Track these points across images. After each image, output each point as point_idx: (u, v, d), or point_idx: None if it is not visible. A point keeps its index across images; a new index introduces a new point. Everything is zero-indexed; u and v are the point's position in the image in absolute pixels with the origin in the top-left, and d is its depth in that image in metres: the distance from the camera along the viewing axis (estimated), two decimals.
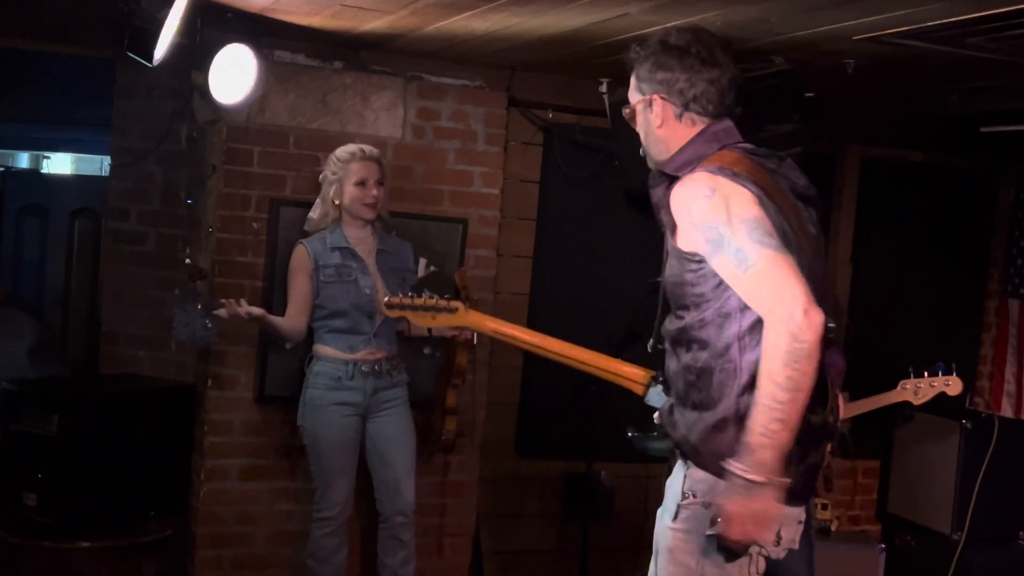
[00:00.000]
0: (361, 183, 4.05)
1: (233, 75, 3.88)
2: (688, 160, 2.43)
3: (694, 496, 2.36)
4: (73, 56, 4.90)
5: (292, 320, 4.10)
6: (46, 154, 8.64)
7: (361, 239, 4.13)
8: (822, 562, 4.51)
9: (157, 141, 4.72)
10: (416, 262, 4.37)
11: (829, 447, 2.46)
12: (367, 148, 4.13)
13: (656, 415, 2.59)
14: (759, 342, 2.26)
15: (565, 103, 4.86)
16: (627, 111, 2.58)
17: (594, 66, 4.36)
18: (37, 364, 5.04)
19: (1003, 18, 3.01)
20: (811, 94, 3.90)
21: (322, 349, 4.10)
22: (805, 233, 2.44)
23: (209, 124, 4.49)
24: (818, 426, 2.36)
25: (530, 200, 4.93)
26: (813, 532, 4.25)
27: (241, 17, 3.84)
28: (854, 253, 5.47)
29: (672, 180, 2.45)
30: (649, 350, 2.64)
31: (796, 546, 2.39)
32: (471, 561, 4.85)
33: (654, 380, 2.76)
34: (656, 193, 2.53)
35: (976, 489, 5.03)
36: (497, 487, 4.91)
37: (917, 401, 4.09)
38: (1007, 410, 5.68)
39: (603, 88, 4.57)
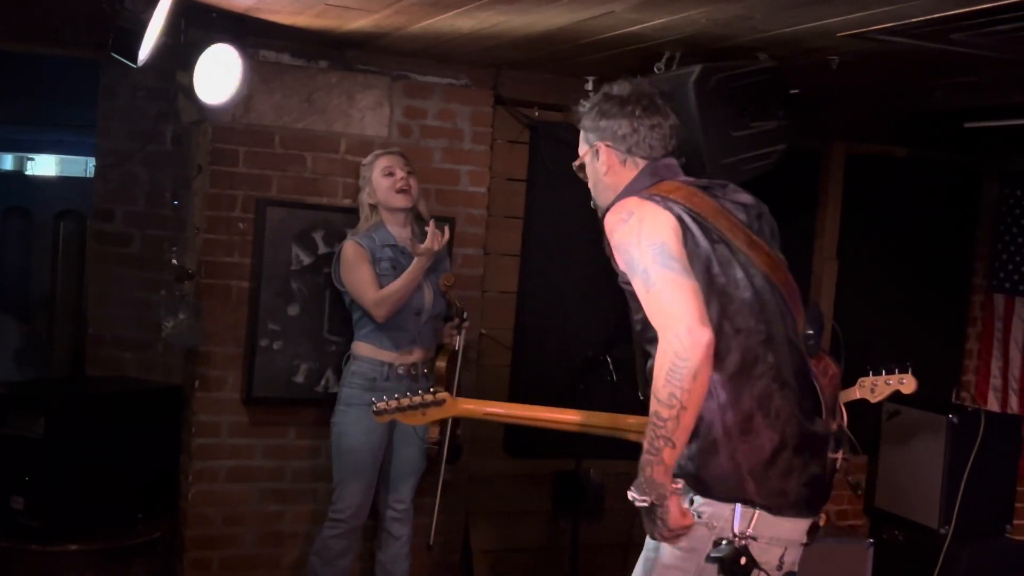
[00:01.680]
0: (388, 172, 4.13)
1: (218, 75, 3.87)
2: (625, 194, 2.50)
3: (698, 517, 2.32)
4: (57, 57, 4.87)
5: (377, 297, 4.00)
6: (30, 156, 8.60)
7: (403, 239, 4.12)
8: (810, 557, 4.52)
9: (142, 142, 4.71)
10: (448, 261, 4.40)
11: (840, 454, 2.45)
12: (389, 147, 4.29)
13: None
14: (728, 352, 2.31)
15: (551, 101, 4.85)
16: (577, 163, 2.69)
17: (580, 64, 4.37)
18: (23, 367, 5.02)
19: (987, 13, 3.02)
20: (795, 91, 3.90)
21: (361, 348, 4.10)
22: (757, 249, 2.44)
23: (194, 124, 4.47)
24: (817, 435, 2.37)
25: (517, 198, 4.92)
26: None
27: (226, 17, 3.82)
28: (839, 249, 5.49)
29: None
30: (641, 396, 2.54)
31: (796, 568, 2.39)
32: (461, 560, 4.85)
33: None
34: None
35: (963, 483, 5.06)
36: (487, 486, 4.91)
37: (873, 399, 4.16)
38: (993, 404, 5.71)
39: (589, 86, 4.57)
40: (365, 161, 4.23)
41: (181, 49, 3.84)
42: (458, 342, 4.17)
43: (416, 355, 4.11)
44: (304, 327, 4.42)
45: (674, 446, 2.18)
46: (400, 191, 4.10)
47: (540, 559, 5.00)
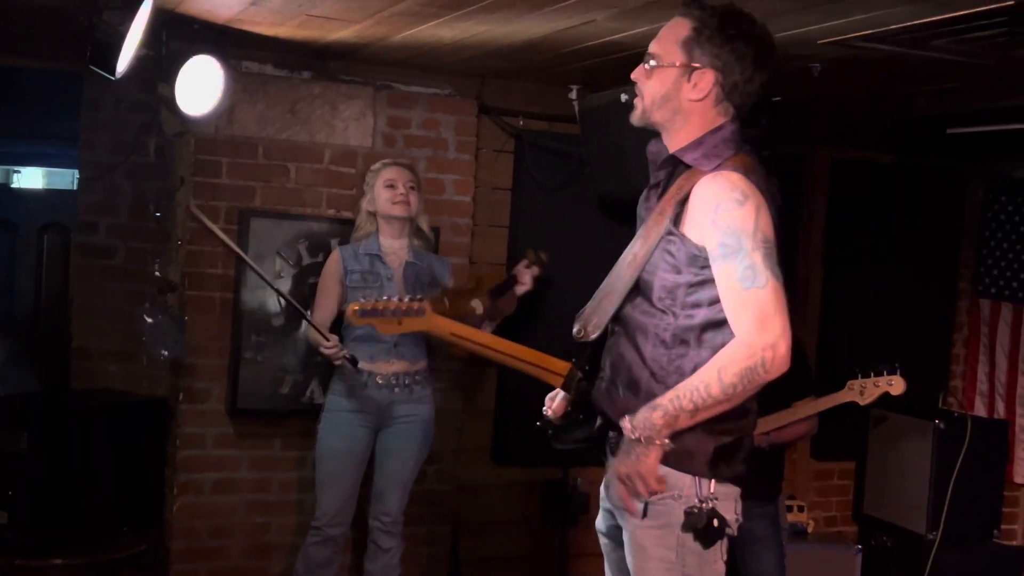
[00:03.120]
0: (391, 185, 4.15)
1: (200, 86, 3.87)
2: (708, 155, 2.35)
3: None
4: (41, 70, 4.86)
5: (321, 321, 4.10)
6: (16, 168, 8.56)
7: (394, 250, 4.16)
8: (799, 564, 4.56)
9: (125, 154, 4.69)
10: (448, 276, 4.36)
11: None
12: (398, 158, 4.32)
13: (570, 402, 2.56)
14: (720, 330, 2.30)
15: (536, 110, 4.86)
16: (653, 60, 2.37)
17: (564, 73, 4.37)
18: (6, 380, 4.99)
19: (966, 20, 3.03)
20: (777, 98, 3.91)
21: None
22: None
23: (177, 136, 4.46)
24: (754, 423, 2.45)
25: (502, 207, 4.92)
26: (785, 534, 4.31)
27: (207, 28, 3.83)
28: (825, 255, 5.50)
29: (680, 165, 2.39)
30: (581, 337, 2.50)
31: (740, 520, 2.43)
32: (449, 569, 4.83)
33: (575, 372, 2.61)
34: (658, 174, 2.46)
35: (950, 489, 5.06)
36: (474, 495, 4.90)
37: (863, 401, 4.15)
38: (980, 409, 5.72)
39: (573, 95, 4.59)
40: (374, 167, 4.25)
41: (163, 61, 3.84)
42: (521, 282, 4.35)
43: (397, 366, 4.09)
44: (289, 338, 4.40)
45: (693, 418, 2.26)
46: (396, 203, 4.12)
47: (528, 568, 4.98)
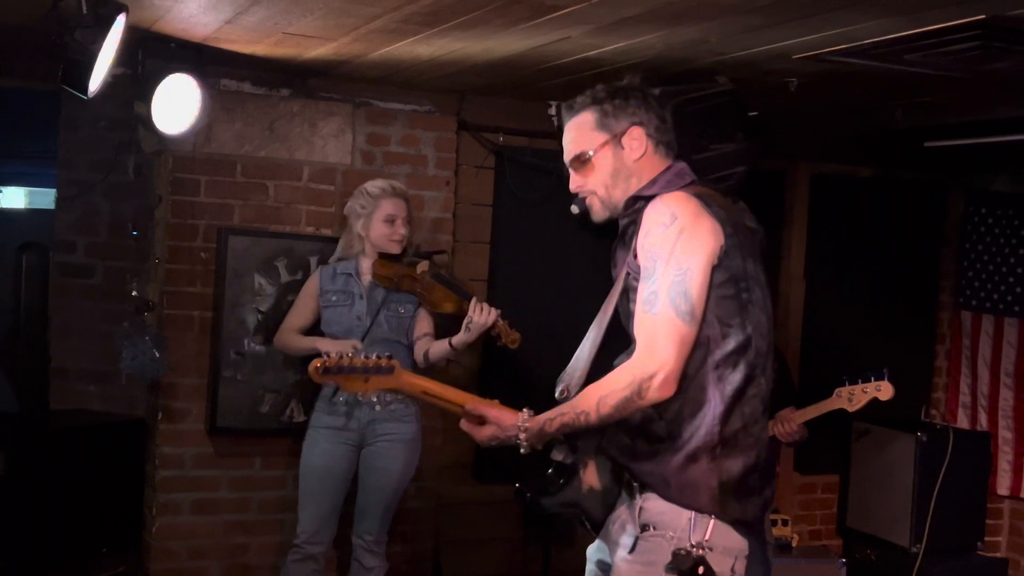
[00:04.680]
0: (390, 220, 4.07)
1: (177, 105, 3.86)
2: (663, 187, 2.41)
3: (654, 528, 2.33)
4: (19, 89, 4.84)
5: (284, 335, 4.18)
6: None
7: (369, 271, 4.11)
8: None
9: (103, 173, 4.67)
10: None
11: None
12: (396, 185, 4.16)
13: (560, 456, 2.52)
14: (734, 367, 2.30)
15: (516, 126, 4.86)
16: (577, 153, 2.47)
17: (542, 89, 4.38)
18: None
19: (937, 35, 3.05)
20: (754, 113, 3.92)
21: None
22: (763, 276, 2.43)
23: (155, 154, 4.45)
24: (772, 462, 2.48)
25: (483, 223, 4.92)
26: (770, 550, 4.30)
27: (184, 46, 3.82)
28: (806, 269, 5.51)
29: (640, 208, 2.40)
30: (564, 396, 2.51)
31: None
32: None
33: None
34: (623, 224, 2.48)
35: (933, 501, 5.07)
36: (456, 513, 4.87)
37: (851, 408, 4.17)
38: (962, 421, 5.73)
39: (552, 111, 4.58)
40: (370, 191, 4.10)
41: (140, 79, 3.82)
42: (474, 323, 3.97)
43: None
44: (268, 356, 4.38)
45: (567, 433, 2.40)
46: (394, 241, 4.08)
47: None
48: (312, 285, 4.18)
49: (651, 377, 2.22)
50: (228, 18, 3.43)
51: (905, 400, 5.41)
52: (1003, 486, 5.56)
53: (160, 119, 3.85)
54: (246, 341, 4.35)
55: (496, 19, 3.22)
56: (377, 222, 4.08)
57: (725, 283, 2.30)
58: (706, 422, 2.30)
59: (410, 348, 4.13)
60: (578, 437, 2.47)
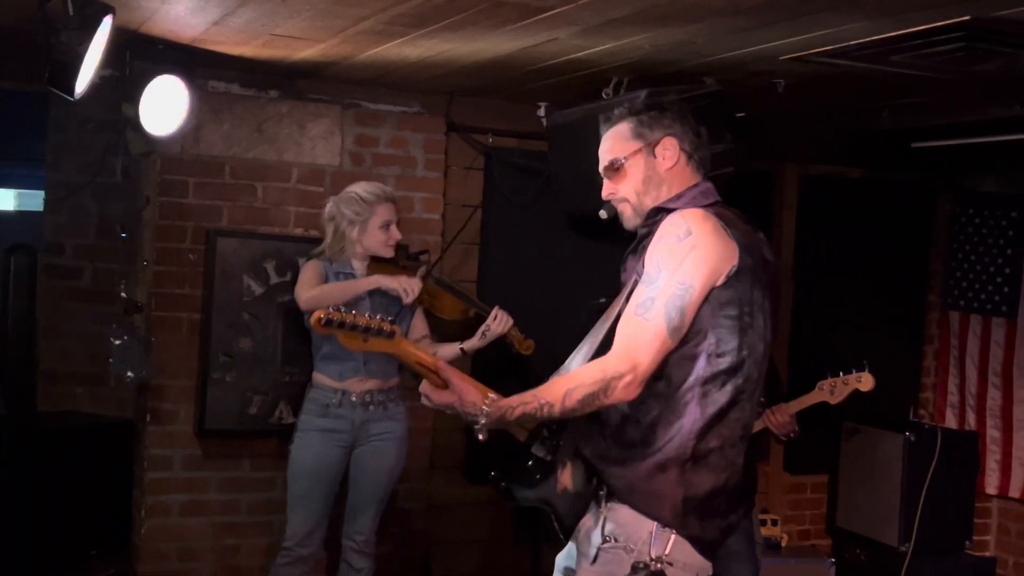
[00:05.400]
0: (386, 226, 4.03)
1: (165, 106, 3.86)
2: (688, 203, 2.42)
3: (615, 540, 2.33)
4: (6, 91, 4.83)
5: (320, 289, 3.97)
6: None
7: (365, 273, 4.08)
8: None
9: (91, 174, 4.67)
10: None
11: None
12: (387, 188, 4.10)
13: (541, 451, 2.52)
14: (721, 387, 2.31)
15: (505, 127, 4.87)
16: (616, 164, 2.50)
17: (531, 90, 4.38)
18: None
19: (924, 35, 3.06)
20: (742, 114, 3.93)
21: (316, 376, 4.07)
22: (772, 308, 2.43)
23: (143, 156, 4.44)
24: (745, 489, 2.45)
25: (472, 224, 4.92)
26: (759, 549, 4.31)
27: (172, 48, 3.82)
28: (795, 270, 5.52)
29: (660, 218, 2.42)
30: None
31: None
32: None
33: (541, 428, 2.54)
34: (642, 232, 2.49)
35: (922, 500, 5.08)
36: (447, 513, 4.88)
37: (833, 400, 4.19)
38: (951, 421, 5.75)
39: (541, 112, 4.58)
40: (364, 197, 4.00)
41: (127, 81, 3.82)
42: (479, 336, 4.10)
43: (370, 383, 4.06)
44: (257, 358, 4.38)
45: (532, 422, 2.41)
46: (390, 246, 4.05)
47: None
48: (317, 269, 4.03)
49: (621, 377, 2.24)
50: (216, 19, 3.42)
51: (893, 400, 5.45)
52: (991, 485, 5.58)
53: (148, 121, 3.85)
54: (235, 343, 4.35)
55: (484, 20, 3.23)
56: (373, 228, 4.02)
57: (729, 304, 2.30)
58: (681, 434, 2.31)
59: None
60: (560, 436, 2.47)
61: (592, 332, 2.53)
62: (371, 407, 4.06)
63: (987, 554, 5.65)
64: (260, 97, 4.43)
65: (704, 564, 2.37)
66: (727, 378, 2.32)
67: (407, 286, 3.95)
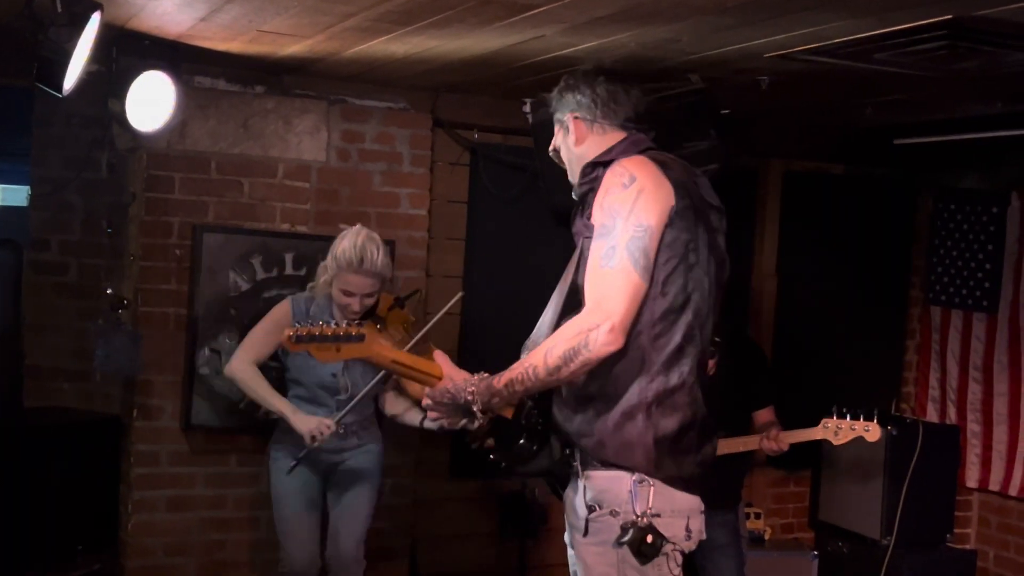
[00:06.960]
0: (348, 294, 3.75)
1: (152, 102, 3.86)
2: (619, 155, 2.47)
3: (600, 507, 2.37)
4: None
5: (246, 368, 3.88)
6: None
7: (340, 319, 3.75)
8: (757, 570, 4.59)
9: (77, 170, 4.65)
10: None
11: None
12: (368, 260, 3.70)
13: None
14: (672, 325, 2.34)
15: (490, 123, 4.89)
16: (551, 148, 2.66)
17: (517, 87, 4.40)
18: None
19: (907, 34, 3.10)
20: (726, 111, 3.96)
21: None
22: (718, 243, 2.48)
23: (129, 151, 4.44)
24: (710, 420, 2.46)
25: (458, 220, 4.94)
26: (744, 542, 4.35)
27: (158, 44, 3.82)
28: (778, 265, 5.56)
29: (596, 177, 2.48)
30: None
31: (704, 536, 2.44)
32: None
33: (526, 401, 2.55)
34: (582, 191, 2.55)
35: (903, 494, 5.13)
36: (432, 509, 4.90)
37: (837, 441, 4.22)
38: (932, 415, 5.80)
39: (527, 108, 4.60)
40: (338, 256, 3.73)
41: (114, 76, 3.82)
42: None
43: (347, 417, 3.83)
44: None
45: (523, 395, 2.41)
46: (347, 314, 3.75)
47: None
48: (284, 316, 3.86)
49: (597, 327, 2.25)
50: (202, 15, 3.43)
51: (875, 394, 5.49)
52: (972, 479, 5.63)
53: (134, 116, 3.86)
54: (221, 338, 4.35)
55: (470, 18, 3.24)
56: (336, 289, 3.77)
57: (673, 243, 2.35)
58: (641, 379, 2.34)
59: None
60: (548, 403, 2.49)
61: (552, 299, 2.57)
62: (345, 437, 3.90)
63: (968, 547, 5.71)
64: (246, 93, 4.43)
65: (691, 501, 2.41)
66: (677, 316, 2.36)
67: (315, 432, 3.70)
